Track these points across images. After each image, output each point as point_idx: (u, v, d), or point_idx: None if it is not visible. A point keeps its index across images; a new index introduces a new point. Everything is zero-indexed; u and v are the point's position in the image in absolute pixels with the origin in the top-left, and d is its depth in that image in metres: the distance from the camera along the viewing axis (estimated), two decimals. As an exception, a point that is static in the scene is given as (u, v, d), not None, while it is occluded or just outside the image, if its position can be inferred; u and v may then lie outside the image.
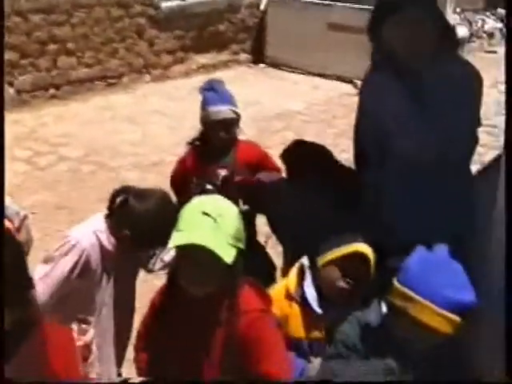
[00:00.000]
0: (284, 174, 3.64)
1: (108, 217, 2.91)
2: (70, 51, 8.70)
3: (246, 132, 7.71)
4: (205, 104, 3.79)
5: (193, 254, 2.15)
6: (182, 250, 2.21)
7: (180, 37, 9.95)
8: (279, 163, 3.70)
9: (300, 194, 3.20)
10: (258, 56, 10.89)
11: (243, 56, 10.91)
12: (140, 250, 2.91)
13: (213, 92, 3.79)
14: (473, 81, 2.82)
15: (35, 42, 8.36)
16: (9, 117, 8.00)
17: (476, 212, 2.84)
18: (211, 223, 2.15)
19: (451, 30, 2.92)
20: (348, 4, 9.80)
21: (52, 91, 8.64)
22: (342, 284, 2.65)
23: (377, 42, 2.86)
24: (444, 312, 2.25)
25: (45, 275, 2.75)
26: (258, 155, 3.89)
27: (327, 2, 10.03)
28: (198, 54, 10.26)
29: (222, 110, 3.72)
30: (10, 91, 8.23)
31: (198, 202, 2.26)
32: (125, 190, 2.91)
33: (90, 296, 2.88)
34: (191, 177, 3.84)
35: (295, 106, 8.91)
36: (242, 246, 2.22)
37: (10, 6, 7.99)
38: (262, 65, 10.89)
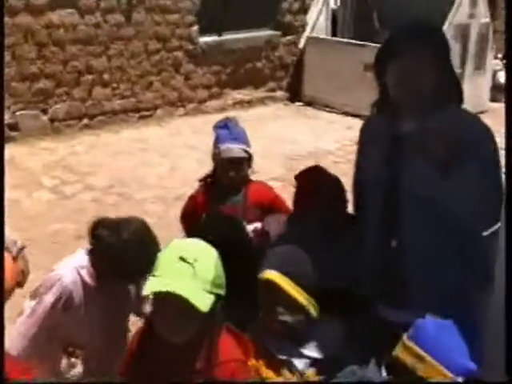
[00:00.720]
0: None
1: (90, 251, 2.85)
2: (105, 82, 8.78)
3: (274, 169, 7.87)
4: (217, 142, 3.75)
5: (168, 301, 2.08)
6: (157, 296, 2.14)
7: (217, 72, 9.98)
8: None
9: (297, 228, 3.14)
10: (294, 94, 10.87)
11: (280, 93, 10.89)
12: (120, 282, 2.85)
13: (226, 130, 3.75)
14: (477, 139, 2.59)
15: (71, 72, 8.44)
16: (40, 144, 8.14)
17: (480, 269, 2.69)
18: (188, 269, 2.08)
19: (457, 82, 2.79)
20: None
21: (85, 121, 8.71)
22: (273, 316, 2.44)
23: (380, 85, 2.78)
24: (454, 377, 2.21)
25: (31, 311, 2.73)
26: (268, 196, 3.83)
27: (363, 43, 9.97)
28: (235, 90, 10.28)
29: (232, 149, 3.68)
30: (43, 119, 8.32)
31: (175, 246, 2.19)
32: (101, 223, 2.86)
33: (77, 330, 2.84)
34: (201, 214, 3.78)
35: (328, 145, 8.83)
36: (220, 291, 2.14)
37: (48, 35, 8.11)
38: (298, 103, 10.86)
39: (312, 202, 3.13)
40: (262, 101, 10.64)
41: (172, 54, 9.38)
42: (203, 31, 9.70)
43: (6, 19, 7.41)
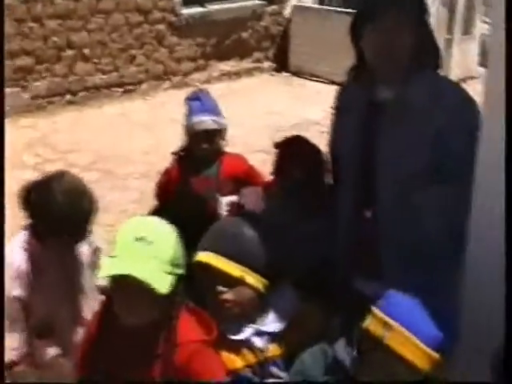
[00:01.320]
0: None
1: (28, 225, 2.80)
2: (86, 57, 8.62)
3: (260, 142, 7.76)
4: (188, 114, 3.67)
5: (126, 283, 1.99)
6: (115, 278, 2.04)
7: (201, 44, 9.81)
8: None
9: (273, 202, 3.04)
10: (281, 64, 10.71)
11: (266, 64, 10.74)
12: (65, 242, 2.78)
13: (198, 102, 3.66)
14: (457, 110, 2.47)
15: (51, 48, 8.28)
16: (22, 122, 7.99)
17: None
18: (146, 249, 1.99)
19: (436, 46, 2.66)
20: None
21: (68, 97, 8.57)
22: (215, 297, 2.32)
23: (356, 51, 2.67)
24: (424, 347, 2.12)
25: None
26: (243, 169, 3.75)
27: (351, 11, 9.80)
28: (220, 62, 10.12)
29: (204, 121, 3.60)
30: (24, 96, 8.17)
31: (132, 225, 2.11)
32: (29, 187, 2.78)
33: (42, 307, 2.79)
34: (175, 188, 3.70)
35: (314, 115, 8.69)
36: (181, 271, 2.05)
37: (26, 11, 7.94)
38: (285, 73, 10.71)
39: (290, 172, 3.03)
40: (248, 72, 10.49)
41: (154, 26, 9.21)
42: (186, 2, 9.53)
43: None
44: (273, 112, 8.87)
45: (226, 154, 3.74)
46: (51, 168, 6.84)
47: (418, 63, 2.53)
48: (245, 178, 3.69)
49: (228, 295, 2.27)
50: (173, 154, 3.81)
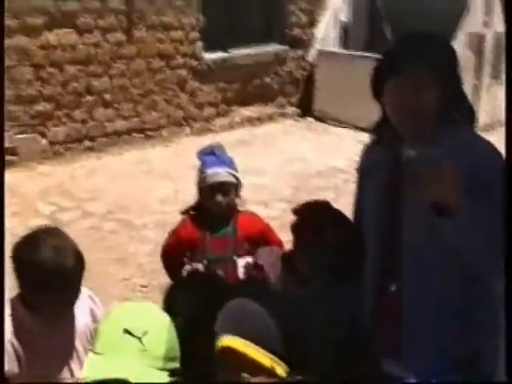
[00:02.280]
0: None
1: (15, 297, 2.62)
2: (107, 103, 8.49)
3: (282, 190, 7.54)
4: (203, 167, 3.45)
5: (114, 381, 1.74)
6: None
7: (223, 89, 9.68)
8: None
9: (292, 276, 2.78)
10: (305, 109, 10.53)
11: (290, 109, 10.57)
12: (52, 303, 2.57)
13: (212, 156, 3.44)
14: (487, 173, 2.21)
15: (71, 93, 8.17)
16: (39, 169, 7.86)
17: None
18: (135, 344, 1.76)
19: (466, 101, 2.40)
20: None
21: (87, 143, 8.43)
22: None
23: (379, 106, 2.42)
24: None
25: None
26: (259, 228, 3.51)
27: (375, 56, 9.63)
28: (242, 107, 9.97)
29: (219, 173, 3.37)
30: (42, 142, 8.05)
31: (118, 316, 1.88)
32: (17, 245, 2.58)
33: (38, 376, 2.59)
34: (185, 251, 3.46)
35: (338, 162, 8.47)
36: (175, 365, 1.80)
37: (45, 56, 7.85)
38: (309, 118, 10.53)
39: (311, 241, 2.78)
40: (271, 117, 10.32)
41: (176, 71, 9.09)
42: (208, 48, 9.41)
43: (1, 41, 7.16)
44: (296, 159, 8.68)
45: (241, 213, 3.50)
46: (67, 217, 6.70)
47: (445, 120, 2.28)
48: (261, 237, 3.45)
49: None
50: (182, 213, 3.56)
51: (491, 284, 2.18)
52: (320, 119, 10.44)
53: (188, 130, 9.36)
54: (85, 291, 2.82)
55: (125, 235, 6.34)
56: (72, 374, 2.73)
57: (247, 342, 2.00)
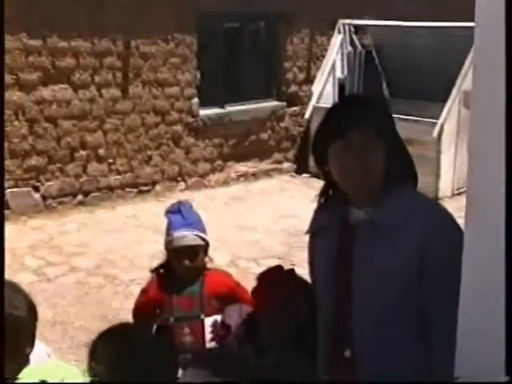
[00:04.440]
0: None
1: None
2: (100, 158, 8.54)
3: (274, 247, 7.50)
4: (169, 228, 3.42)
5: None
6: None
7: (219, 144, 9.73)
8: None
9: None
10: (301, 165, 10.54)
11: (286, 165, 10.60)
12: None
13: (179, 215, 3.41)
14: (435, 234, 2.17)
15: (64, 148, 8.22)
16: (30, 223, 7.85)
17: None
18: None
19: (408, 159, 2.38)
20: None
21: (80, 198, 8.44)
22: None
23: (322, 172, 2.40)
24: None
25: None
26: (228, 286, 3.46)
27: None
28: (238, 163, 10.00)
29: (187, 236, 3.33)
30: (35, 196, 8.07)
31: (29, 376, 1.82)
32: None
33: None
34: (154, 309, 3.43)
35: (331, 219, 8.43)
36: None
37: (40, 111, 7.92)
38: (305, 174, 10.53)
39: (270, 307, 2.76)
40: (267, 173, 10.35)
41: (171, 127, 9.15)
42: (205, 104, 9.48)
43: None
44: (290, 215, 8.64)
45: (210, 271, 3.46)
46: (53, 272, 6.67)
47: (391, 181, 2.26)
48: (230, 295, 3.40)
49: None
50: (151, 271, 3.54)
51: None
52: (316, 175, 10.42)
53: (183, 185, 9.37)
54: (43, 348, 2.78)
55: (110, 290, 6.29)
56: None
57: None
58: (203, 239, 3.37)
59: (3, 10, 2.22)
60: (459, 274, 1.61)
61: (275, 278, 2.87)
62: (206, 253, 3.42)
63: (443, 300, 2.08)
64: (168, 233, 3.41)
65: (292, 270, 2.85)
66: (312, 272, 2.58)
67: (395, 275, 2.19)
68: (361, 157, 2.19)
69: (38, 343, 2.61)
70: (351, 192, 2.28)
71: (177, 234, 3.34)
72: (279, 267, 2.93)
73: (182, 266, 3.35)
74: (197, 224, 3.39)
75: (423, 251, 2.15)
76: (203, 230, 3.40)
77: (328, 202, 2.41)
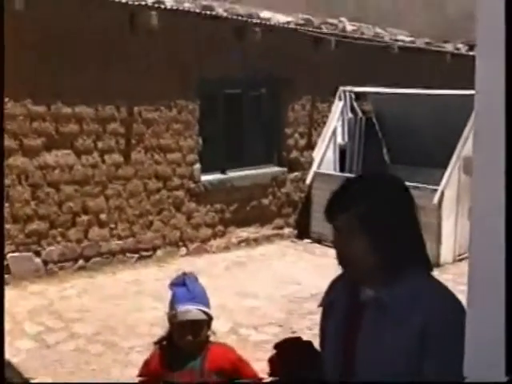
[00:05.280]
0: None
1: None
2: (102, 223, 8.56)
3: (275, 313, 7.45)
4: (173, 302, 3.40)
5: None
6: None
7: (220, 210, 9.75)
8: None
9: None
10: (302, 231, 10.56)
11: (287, 230, 10.61)
12: None
13: (183, 288, 3.40)
14: (440, 321, 2.15)
15: (66, 213, 8.24)
16: (30, 288, 7.81)
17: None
18: None
19: (422, 249, 2.38)
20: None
21: (81, 262, 8.43)
22: None
23: None
24: None
25: None
26: (231, 360, 3.41)
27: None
28: (239, 228, 10.00)
29: (191, 310, 3.31)
30: (36, 261, 8.05)
31: None
32: None
33: None
34: (156, 382, 3.39)
35: (333, 286, 8.40)
36: None
37: (43, 176, 7.97)
38: (306, 240, 10.54)
39: (283, 375, 2.73)
40: (268, 238, 10.35)
41: (173, 192, 9.20)
42: (206, 169, 9.55)
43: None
44: (291, 282, 8.62)
45: (212, 345, 3.43)
46: (53, 338, 6.61)
47: (401, 264, 2.27)
48: (232, 369, 3.37)
49: None
50: (155, 343, 3.52)
51: None
52: (317, 241, 10.44)
53: (184, 250, 9.36)
54: None
55: (110, 358, 6.23)
56: None
57: None
58: (207, 314, 3.35)
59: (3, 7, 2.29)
60: (462, 348, 1.62)
61: (291, 347, 2.87)
62: (209, 327, 3.39)
63: (441, 369, 2.09)
64: (172, 306, 3.38)
65: (309, 342, 2.84)
66: (321, 345, 2.58)
67: (398, 351, 2.20)
68: (345, 242, 2.22)
69: None
70: (345, 272, 2.32)
71: (181, 308, 3.32)
72: (297, 338, 2.93)
73: (185, 341, 3.31)
74: (201, 298, 3.37)
75: (425, 328, 2.16)
76: (207, 304, 3.38)
77: (342, 277, 2.44)
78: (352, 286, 2.39)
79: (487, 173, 1.54)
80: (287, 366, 2.78)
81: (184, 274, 3.52)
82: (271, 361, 2.94)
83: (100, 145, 8.40)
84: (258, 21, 9.67)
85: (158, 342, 3.49)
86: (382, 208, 2.25)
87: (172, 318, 3.38)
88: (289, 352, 2.89)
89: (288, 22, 10.32)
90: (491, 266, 1.54)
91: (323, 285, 8.94)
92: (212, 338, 3.45)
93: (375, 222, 2.21)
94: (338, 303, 2.44)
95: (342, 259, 2.28)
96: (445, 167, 9.44)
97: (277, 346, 2.94)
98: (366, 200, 2.24)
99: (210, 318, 3.37)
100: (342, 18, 11.52)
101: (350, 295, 2.39)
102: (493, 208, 1.53)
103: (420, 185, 9.25)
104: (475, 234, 1.59)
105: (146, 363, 3.53)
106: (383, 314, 2.25)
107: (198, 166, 9.40)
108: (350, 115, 11.12)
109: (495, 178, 1.51)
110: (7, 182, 7.60)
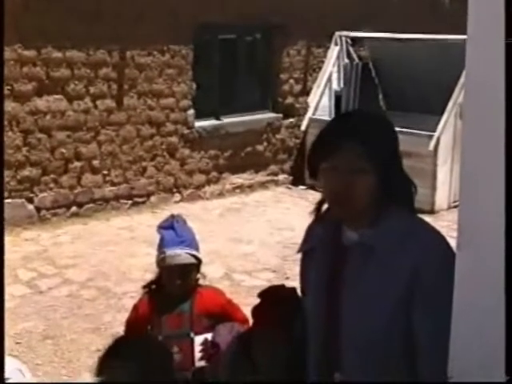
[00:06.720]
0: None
1: None
2: (95, 169, 8.49)
3: (269, 259, 7.45)
4: (161, 245, 3.36)
5: None
6: None
7: (214, 156, 9.68)
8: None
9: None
10: (297, 177, 10.49)
11: (282, 177, 10.56)
12: None
13: (171, 231, 3.35)
14: (426, 261, 2.08)
15: (59, 159, 8.17)
16: (24, 234, 7.79)
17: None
18: None
19: (406, 182, 2.25)
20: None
21: (74, 209, 8.39)
22: None
23: (318, 185, 2.35)
24: None
25: None
26: (219, 304, 3.40)
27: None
28: (234, 175, 9.95)
29: (179, 254, 3.27)
30: (29, 208, 8.01)
31: None
32: None
33: None
34: (145, 326, 3.37)
35: (327, 232, 8.39)
36: None
37: (34, 122, 7.87)
38: (301, 186, 10.48)
39: (268, 323, 2.71)
40: (263, 185, 10.30)
41: (166, 138, 9.11)
42: (200, 115, 9.45)
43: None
44: (285, 228, 8.59)
45: (202, 288, 3.40)
46: (46, 284, 6.61)
47: (387, 204, 2.19)
48: (221, 313, 3.35)
49: None
50: (143, 287, 3.49)
51: None
52: (312, 187, 10.39)
53: (178, 196, 9.32)
54: (15, 365, 2.72)
55: (103, 303, 6.23)
56: None
57: None
58: (196, 257, 3.31)
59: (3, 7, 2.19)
60: (450, 295, 1.56)
61: (275, 296, 2.83)
62: (198, 270, 3.36)
63: (433, 321, 2.03)
64: (160, 249, 3.35)
65: (293, 289, 2.80)
66: (303, 291, 2.53)
67: (386, 299, 2.13)
68: (346, 180, 2.11)
69: (8, 359, 2.55)
70: (338, 215, 2.22)
71: (169, 251, 3.28)
72: (281, 286, 2.89)
73: (174, 285, 3.29)
74: (190, 241, 3.33)
75: (415, 274, 2.08)
76: (196, 248, 3.34)
77: (322, 219, 2.35)
78: (334, 229, 2.31)
79: (478, 119, 1.49)
80: (272, 314, 2.75)
81: (172, 216, 3.47)
82: (254, 310, 2.92)
83: (92, 90, 8.29)
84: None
85: (147, 286, 3.47)
86: (384, 144, 2.17)
87: (160, 261, 3.34)
88: (272, 300, 2.86)
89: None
90: (481, 213, 1.49)
91: (316, 231, 8.72)
92: (203, 282, 3.43)
93: (380, 158, 2.12)
94: (319, 249, 2.36)
95: (336, 198, 2.18)
96: (441, 113, 9.34)
97: (260, 295, 2.91)
98: (365, 136, 2.14)
99: (199, 262, 3.33)
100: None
101: (332, 240, 2.31)
102: (484, 155, 1.48)
103: (416, 131, 9.17)
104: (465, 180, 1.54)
105: (135, 308, 3.52)
106: (368, 259, 2.17)
107: (191, 111, 9.30)
108: (346, 61, 10.96)
109: (486, 124, 1.46)
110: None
